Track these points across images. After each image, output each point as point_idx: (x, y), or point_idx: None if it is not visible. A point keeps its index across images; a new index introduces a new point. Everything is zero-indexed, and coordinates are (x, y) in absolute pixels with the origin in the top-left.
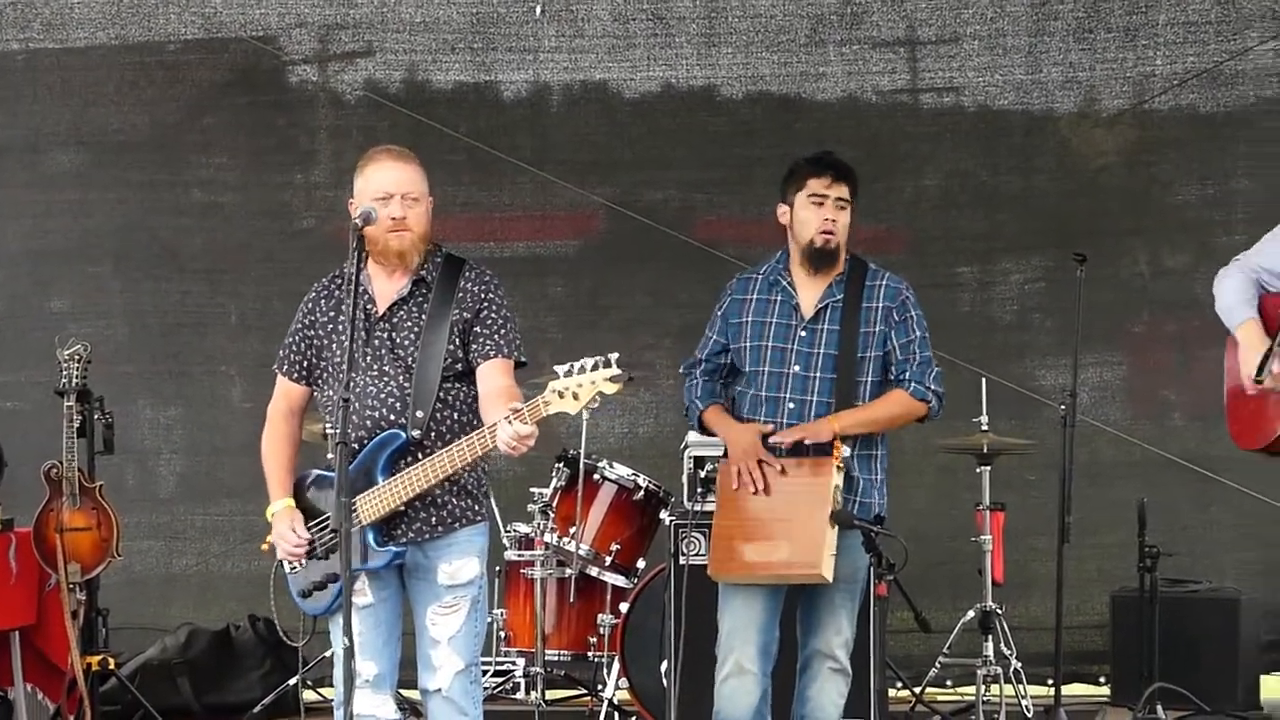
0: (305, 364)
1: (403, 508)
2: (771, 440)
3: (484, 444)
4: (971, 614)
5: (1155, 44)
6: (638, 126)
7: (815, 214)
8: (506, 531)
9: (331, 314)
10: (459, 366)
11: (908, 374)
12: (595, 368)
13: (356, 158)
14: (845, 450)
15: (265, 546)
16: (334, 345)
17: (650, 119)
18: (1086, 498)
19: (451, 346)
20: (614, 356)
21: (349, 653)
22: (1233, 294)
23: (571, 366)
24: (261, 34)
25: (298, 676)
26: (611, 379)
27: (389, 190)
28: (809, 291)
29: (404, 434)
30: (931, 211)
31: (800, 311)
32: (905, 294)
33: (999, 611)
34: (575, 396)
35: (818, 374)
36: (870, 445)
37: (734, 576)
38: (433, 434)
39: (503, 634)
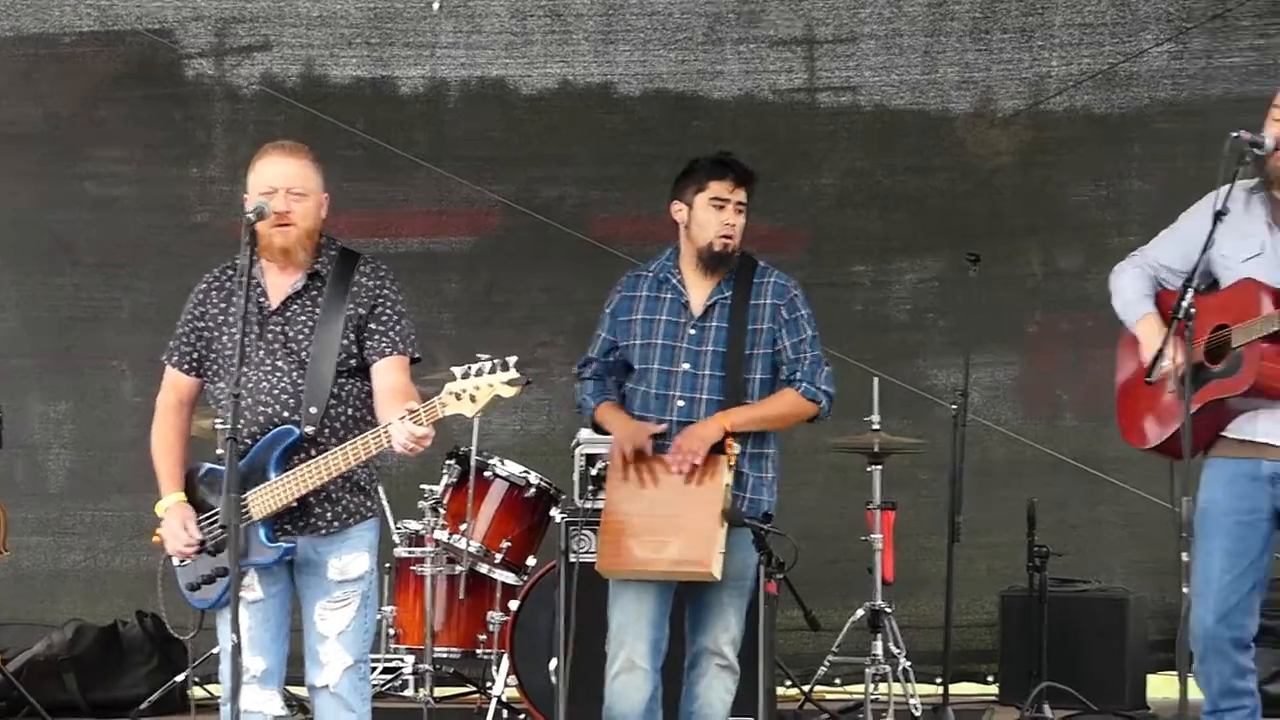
0: (195, 356)
1: (295, 503)
2: (668, 460)
3: (379, 443)
4: (861, 612)
5: (1051, 45)
6: (534, 123)
7: (716, 218)
8: (397, 528)
9: (222, 306)
10: (353, 362)
11: (799, 374)
12: (493, 370)
13: (252, 152)
14: (737, 447)
15: (156, 539)
16: (224, 338)
17: (547, 116)
18: (977, 497)
19: (346, 341)
20: (512, 359)
21: (236, 648)
22: (1130, 290)
23: (469, 368)
24: (158, 27)
25: (185, 673)
26: (509, 382)
27: (274, 185)
28: (698, 289)
29: (298, 430)
30: (827, 210)
31: (689, 309)
32: (793, 292)
33: (888, 610)
34: (473, 399)
35: (707, 372)
36: (762, 444)
37: (623, 573)
38: (326, 430)
39: (392, 631)
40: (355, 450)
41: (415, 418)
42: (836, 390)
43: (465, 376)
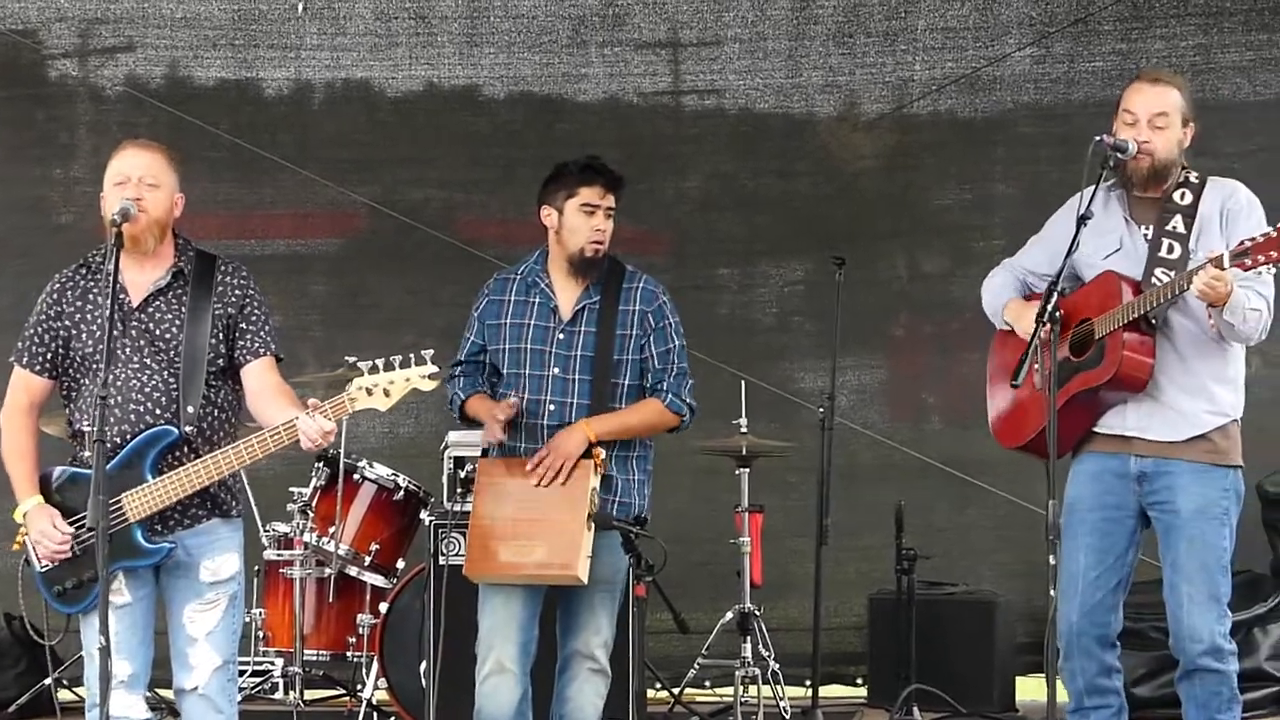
0: (50, 356)
1: (172, 504)
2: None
3: (277, 440)
4: (730, 615)
5: (914, 49)
6: (400, 126)
7: (587, 223)
8: (265, 530)
9: (79, 304)
10: (221, 362)
11: (664, 385)
12: (406, 364)
13: None
14: (602, 452)
15: (17, 545)
16: (85, 336)
17: (412, 118)
18: (845, 500)
19: (214, 341)
20: (429, 353)
21: (105, 652)
22: (998, 288)
23: (376, 363)
24: (21, 28)
25: (52, 676)
26: (429, 376)
27: (127, 174)
28: (567, 293)
29: (176, 430)
30: (692, 213)
31: (558, 314)
32: (661, 299)
33: (757, 613)
34: (386, 393)
35: (576, 376)
36: (629, 446)
37: (490, 577)
38: (198, 431)
39: (261, 634)
40: (251, 448)
41: (324, 412)
42: (700, 394)
43: (374, 371)
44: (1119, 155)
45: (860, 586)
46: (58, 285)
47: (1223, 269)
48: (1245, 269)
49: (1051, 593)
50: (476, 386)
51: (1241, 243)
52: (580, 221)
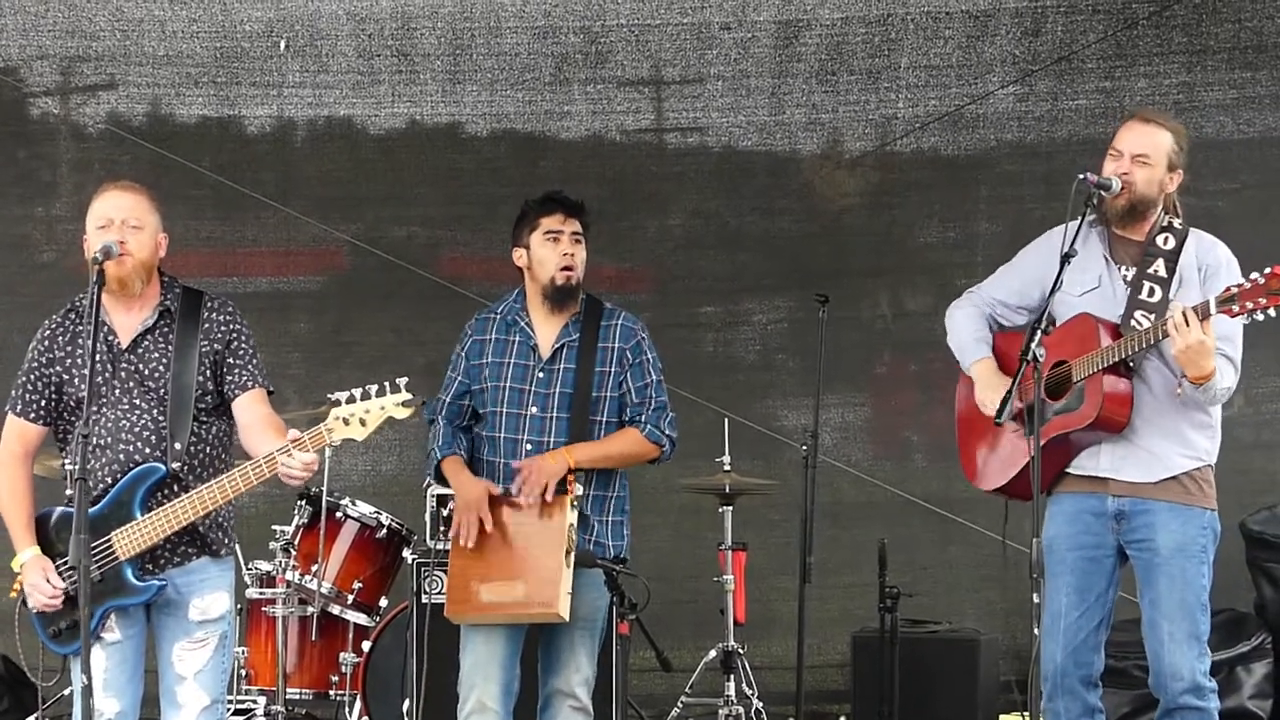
0: (44, 403)
1: (161, 541)
2: (515, 496)
3: (259, 474)
4: (713, 653)
5: (898, 87)
6: (382, 163)
7: (553, 251)
8: (248, 569)
9: (69, 349)
10: (209, 399)
11: (643, 417)
12: (382, 393)
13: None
14: (579, 488)
15: (14, 593)
16: (77, 380)
17: (395, 156)
18: (829, 538)
19: (202, 378)
20: (403, 381)
21: (87, 690)
22: (965, 331)
23: (352, 393)
24: (2, 65)
25: (35, 715)
26: (404, 403)
27: (110, 216)
28: (546, 330)
29: (164, 467)
30: (675, 251)
31: (538, 351)
32: (640, 335)
33: (741, 651)
34: (363, 422)
35: (554, 414)
36: (606, 486)
37: (471, 617)
38: (187, 468)
39: (244, 672)
40: (234, 482)
41: (302, 445)
42: (684, 432)
43: (350, 401)
44: (1103, 193)
45: (844, 624)
46: (48, 332)
47: (1209, 316)
48: (1232, 315)
49: (1035, 631)
50: (453, 446)
51: (1228, 289)
52: (546, 251)
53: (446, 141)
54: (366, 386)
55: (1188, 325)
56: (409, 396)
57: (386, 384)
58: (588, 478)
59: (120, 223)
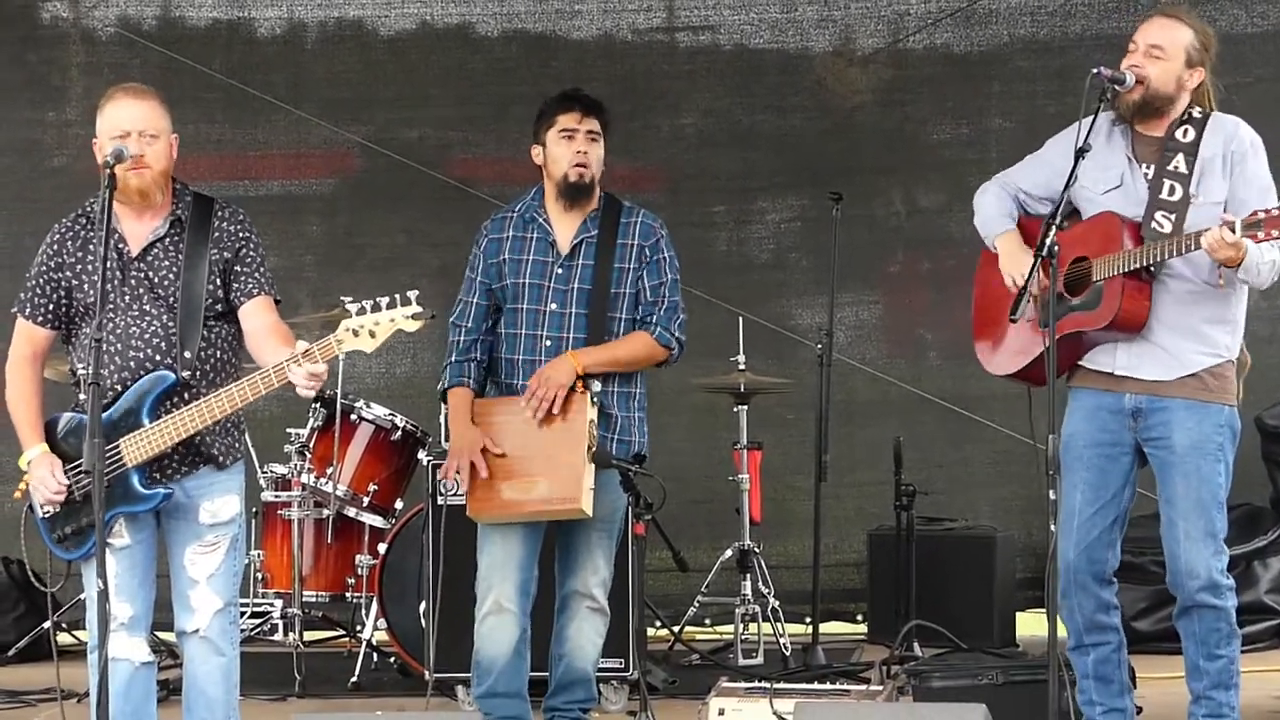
0: (52, 307)
1: (170, 449)
2: (522, 404)
3: (268, 383)
4: (729, 553)
5: None
6: (393, 64)
7: (567, 148)
8: (263, 472)
9: (79, 255)
10: (219, 307)
11: (654, 318)
12: (392, 305)
13: None
14: (596, 385)
15: (19, 494)
16: (87, 286)
17: (405, 57)
18: (844, 437)
19: (212, 286)
20: (414, 294)
21: (103, 595)
22: (991, 207)
23: (364, 304)
24: None
25: (50, 620)
26: (414, 316)
27: (125, 128)
28: (564, 227)
29: (174, 374)
30: (688, 151)
31: (556, 248)
32: (659, 233)
33: (757, 550)
34: (372, 334)
35: (573, 309)
36: (628, 383)
37: (493, 516)
38: (198, 374)
39: (260, 575)
40: (243, 391)
41: (311, 356)
42: (697, 331)
43: (361, 313)
44: (1116, 88)
45: (859, 523)
46: (58, 235)
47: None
48: (1257, 241)
49: (1052, 528)
50: (463, 376)
51: (1255, 213)
52: (560, 149)
53: (457, 42)
54: (377, 298)
55: (1216, 232)
56: (419, 309)
57: (397, 296)
58: (608, 375)
59: (137, 134)
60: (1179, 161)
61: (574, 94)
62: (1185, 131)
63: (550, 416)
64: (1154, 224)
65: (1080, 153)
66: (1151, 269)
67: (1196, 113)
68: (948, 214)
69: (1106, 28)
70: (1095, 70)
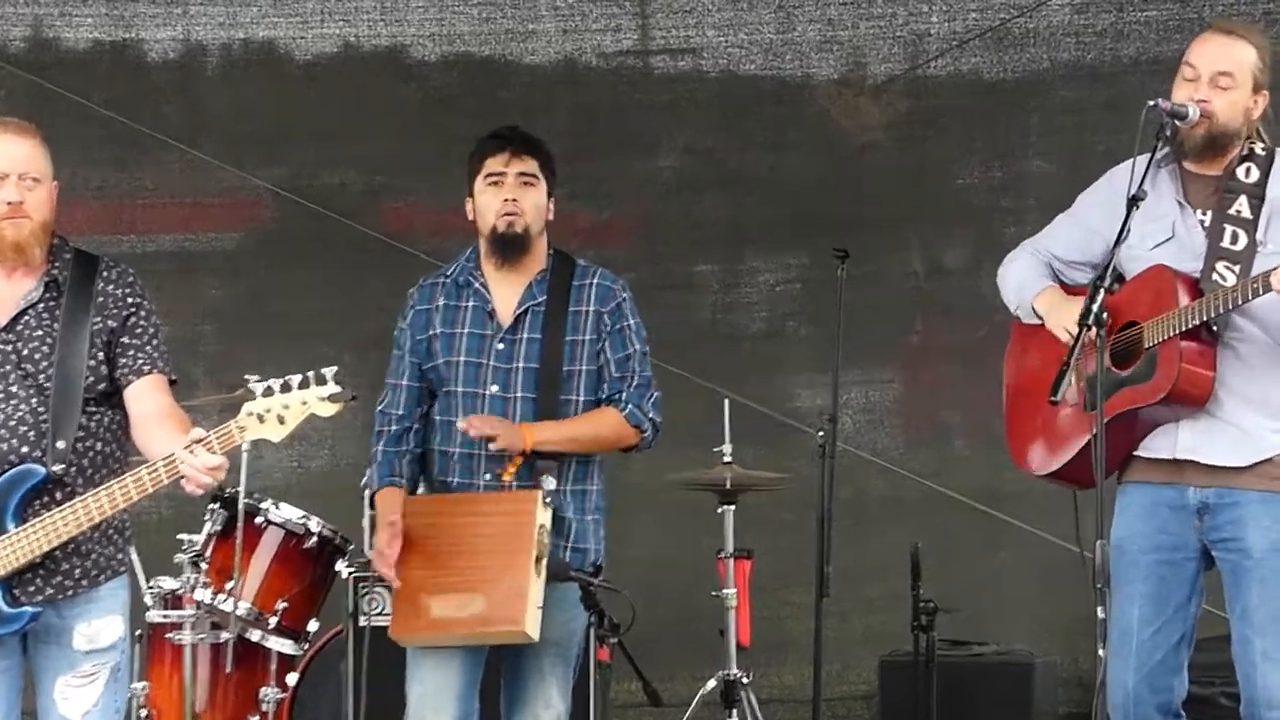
0: None
1: (39, 559)
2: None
3: (157, 479)
4: (712, 683)
5: None
6: (311, 95)
7: (494, 196)
8: (149, 588)
9: None
10: (102, 386)
11: (624, 395)
12: (305, 385)
13: None
14: (551, 482)
15: None
16: None
17: (326, 86)
18: (851, 543)
19: (94, 362)
20: (330, 371)
21: None
22: (1024, 271)
23: (272, 385)
24: None
25: None
26: (331, 398)
27: (3, 170)
28: (505, 293)
29: (44, 469)
30: (665, 198)
31: (496, 318)
32: (620, 296)
33: (745, 681)
34: (281, 420)
35: (518, 394)
36: (583, 477)
37: (421, 638)
38: (74, 468)
39: (145, 712)
40: (126, 490)
41: (208, 445)
42: (677, 415)
43: (269, 394)
44: (1176, 122)
45: (869, 647)
46: None
47: None
48: None
49: (1100, 652)
50: (393, 474)
51: None
52: (487, 197)
53: (388, 68)
54: (288, 377)
55: None
56: (337, 389)
57: (311, 374)
58: (561, 469)
59: (18, 178)
60: (1241, 204)
61: (503, 132)
62: (1248, 170)
63: (498, 511)
64: (1215, 277)
65: (1134, 200)
66: (1214, 327)
67: (1260, 148)
68: (976, 274)
69: (1166, 51)
70: (1153, 102)
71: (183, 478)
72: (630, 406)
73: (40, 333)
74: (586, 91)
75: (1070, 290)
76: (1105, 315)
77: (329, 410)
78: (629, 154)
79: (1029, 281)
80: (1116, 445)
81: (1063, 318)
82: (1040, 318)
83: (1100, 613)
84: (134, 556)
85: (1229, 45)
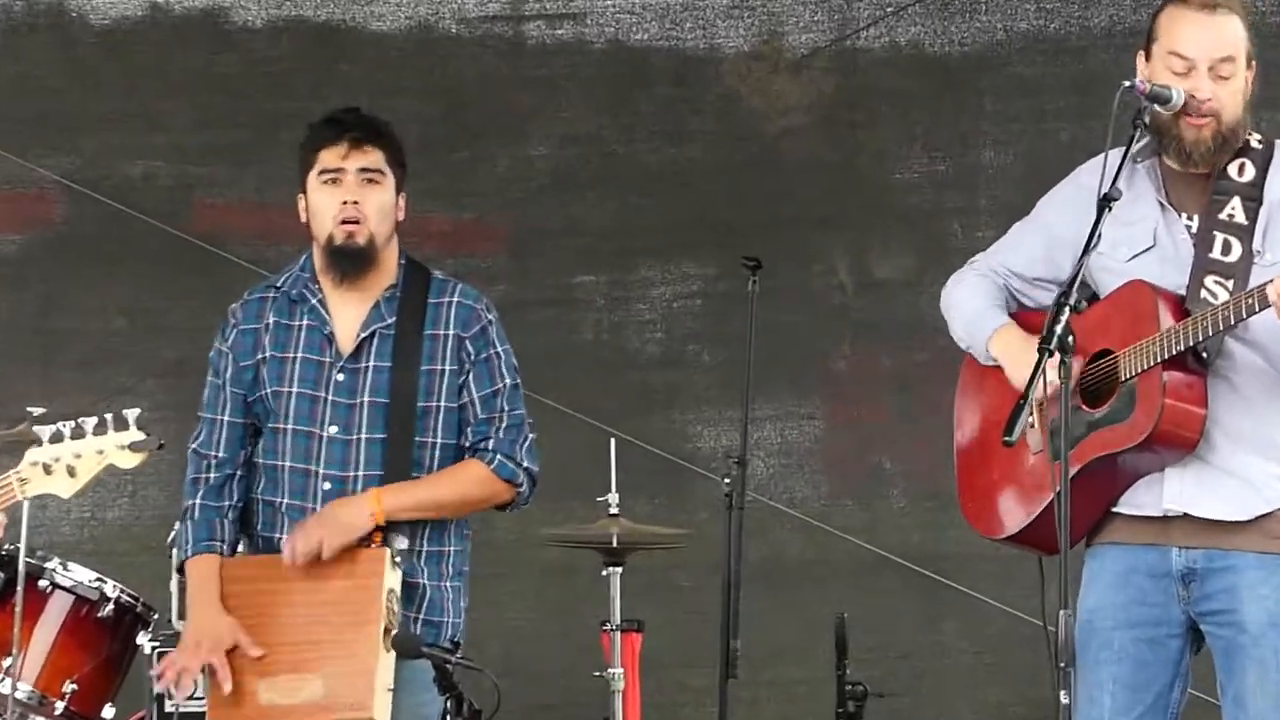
0: None
1: None
2: (286, 557)
3: None
4: None
5: None
6: (109, 69)
7: (330, 197)
8: None
9: None
10: None
11: (490, 443)
12: (102, 429)
13: None
14: (401, 541)
15: None
16: None
17: (126, 57)
18: (764, 614)
19: None
20: (132, 414)
21: None
22: (976, 298)
23: (60, 429)
24: None
25: None
26: (131, 446)
27: None
28: (347, 313)
29: None
30: (540, 195)
31: (336, 344)
32: (485, 318)
33: None
34: (72, 472)
35: (363, 435)
36: (439, 537)
37: None
38: None
39: None
40: None
41: None
42: (552, 460)
43: (57, 440)
44: (1157, 107)
45: None
46: None
47: None
48: None
49: None
50: (212, 537)
51: None
52: (323, 198)
53: (203, 36)
54: (80, 419)
55: None
56: (140, 437)
57: (109, 417)
58: (414, 529)
59: None
60: (1234, 207)
61: (341, 116)
62: (1241, 167)
63: (338, 576)
64: (1204, 294)
65: (1106, 200)
66: (1204, 354)
67: (1255, 141)
68: (916, 287)
69: (1143, 21)
70: (1128, 83)
71: None
72: (499, 458)
73: None
74: (444, 66)
75: (1032, 316)
76: (1071, 339)
77: (130, 461)
78: (496, 142)
79: (981, 314)
80: (1091, 500)
81: (1021, 366)
82: (996, 361)
83: (1064, 697)
84: None
85: (1221, 24)
